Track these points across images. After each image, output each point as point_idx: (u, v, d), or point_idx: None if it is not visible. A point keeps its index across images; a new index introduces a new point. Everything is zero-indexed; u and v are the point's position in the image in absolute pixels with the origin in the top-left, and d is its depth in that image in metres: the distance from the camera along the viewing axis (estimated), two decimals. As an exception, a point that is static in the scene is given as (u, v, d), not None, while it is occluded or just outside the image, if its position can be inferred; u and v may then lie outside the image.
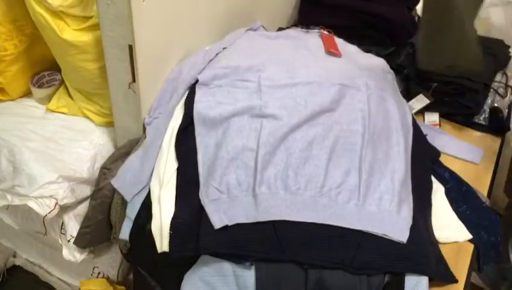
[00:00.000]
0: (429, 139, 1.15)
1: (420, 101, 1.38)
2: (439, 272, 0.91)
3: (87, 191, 1.13)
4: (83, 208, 1.13)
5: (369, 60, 1.21)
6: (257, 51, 1.19)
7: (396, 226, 0.88)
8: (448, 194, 1.08)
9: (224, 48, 1.19)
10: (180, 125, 1.03)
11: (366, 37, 1.54)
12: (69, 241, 1.12)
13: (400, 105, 1.10)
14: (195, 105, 1.04)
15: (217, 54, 1.17)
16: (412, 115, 1.13)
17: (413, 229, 0.90)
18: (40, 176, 1.06)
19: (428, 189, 1.05)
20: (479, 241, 1.02)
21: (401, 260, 0.85)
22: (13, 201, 1.07)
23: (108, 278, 1.24)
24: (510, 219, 1.40)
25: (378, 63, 1.20)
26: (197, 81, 1.09)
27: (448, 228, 1.02)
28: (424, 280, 0.87)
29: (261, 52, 1.18)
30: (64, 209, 1.09)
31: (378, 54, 1.48)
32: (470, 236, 1.02)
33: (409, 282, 0.86)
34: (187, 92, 1.09)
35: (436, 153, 1.16)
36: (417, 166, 1.01)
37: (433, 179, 1.09)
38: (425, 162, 1.07)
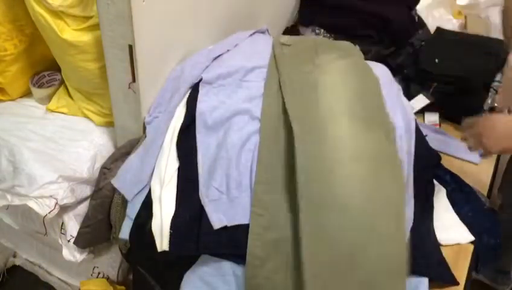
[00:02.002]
0: (429, 139, 1.15)
1: (420, 101, 1.38)
2: (440, 273, 0.91)
3: (87, 191, 1.13)
4: (83, 208, 1.13)
5: (373, 69, 1.21)
6: (262, 52, 1.19)
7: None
8: (450, 196, 1.08)
9: (228, 50, 1.19)
10: (182, 124, 1.03)
11: (366, 37, 1.54)
12: (69, 241, 1.12)
13: (404, 112, 1.09)
14: (198, 105, 1.04)
15: (220, 55, 1.17)
16: (416, 121, 1.12)
17: (413, 231, 0.90)
18: (40, 176, 1.06)
19: (430, 192, 1.05)
20: (479, 243, 1.02)
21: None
22: (13, 201, 1.07)
23: (108, 278, 1.24)
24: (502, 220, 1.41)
25: (383, 71, 1.20)
26: (200, 80, 1.09)
27: (450, 230, 1.02)
28: (424, 281, 0.87)
29: (266, 53, 1.18)
30: (64, 209, 1.09)
31: (378, 54, 1.48)
32: (472, 238, 1.02)
33: (409, 283, 0.86)
34: (189, 91, 1.09)
35: (438, 158, 1.16)
36: (419, 171, 1.01)
37: (435, 181, 1.09)
38: (427, 167, 1.07)
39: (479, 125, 1.00)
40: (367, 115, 1.01)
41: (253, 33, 1.29)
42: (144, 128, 1.09)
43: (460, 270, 0.96)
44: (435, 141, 1.21)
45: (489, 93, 1.43)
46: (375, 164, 0.92)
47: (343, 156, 0.93)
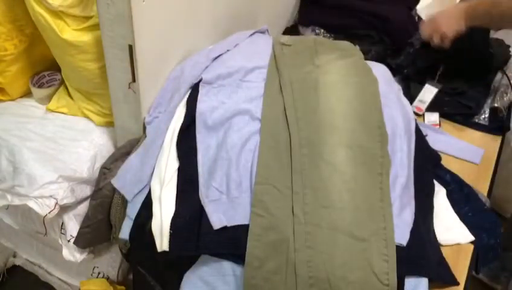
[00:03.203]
0: (429, 139, 1.15)
1: (429, 91, 1.37)
2: (440, 273, 0.91)
3: (87, 191, 1.13)
4: (83, 208, 1.13)
5: (373, 69, 1.21)
6: (262, 52, 1.19)
7: (396, 229, 0.88)
8: (450, 196, 1.08)
9: (228, 50, 1.19)
10: (182, 124, 1.03)
11: (366, 37, 1.54)
12: (69, 241, 1.12)
13: (404, 112, 1.10)
14: (198, 105, 1.04)
15: (220, 55, 1.17)
16: (416, 121, 1.12)
17: (413, 232, 0.90)
18: (40, 176, 1.06)
19: (430, 193, 1.05)
20: (479, 243, 1.02)
21: (400, 262, 0.84)
22: (13, 201, 1.07)
23: (108, 278, 1.24)
24: None
25: (383, 71, 1.20)
26: (200, 80, 1.09)
27: (450, 230, 1.02)
28: (424, 281, 0.87)
29: (266, 54, 1.18)
30: (64, 209, 1.09)
31: (378, 54, 1.48)
32: (472, 238, 1.02)
33: (408, 284, 0.86)
34: (189, 91, 1.09)
35: (438, 158, 1.16)
36: (419, 171, 1.02)
37: (435, 181, 1.09)
38: (427, 167, 1.07)
39: (435, 18, 1.17)
40: (365, 116, 1.02)
41: (253, 33, 1.29)
42: (144, 128, 1.09)
43: (461, 270, 0.96)
44: (435, 141, 1.21)
45: (489, 94, 1.43)
46: (367, 169, 0.94)
47: (341, 160, 0.94)
